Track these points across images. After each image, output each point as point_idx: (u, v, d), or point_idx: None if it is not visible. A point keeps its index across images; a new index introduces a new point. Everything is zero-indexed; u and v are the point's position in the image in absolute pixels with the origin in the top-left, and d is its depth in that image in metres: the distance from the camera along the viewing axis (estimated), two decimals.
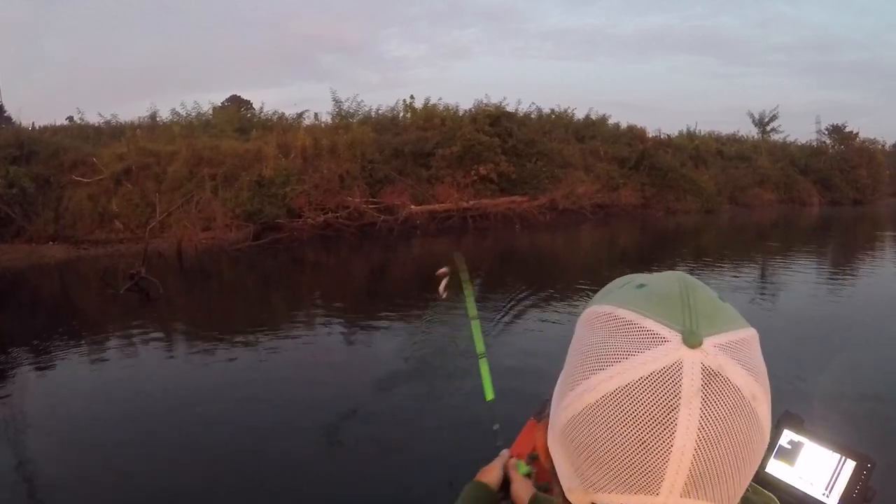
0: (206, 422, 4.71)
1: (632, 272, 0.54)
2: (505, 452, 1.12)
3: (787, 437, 1.02)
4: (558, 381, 0.48)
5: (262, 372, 5.96)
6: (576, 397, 0.44)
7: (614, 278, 0.52)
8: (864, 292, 9.62)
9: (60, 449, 4.32)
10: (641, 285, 0.48)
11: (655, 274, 0.50)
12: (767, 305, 8.71)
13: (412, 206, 18.39)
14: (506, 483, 1.08)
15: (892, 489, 1.12)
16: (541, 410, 1.78)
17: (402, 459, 4.04)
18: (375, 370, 5.88)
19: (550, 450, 0.48)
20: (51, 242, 16.52)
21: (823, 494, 0.96)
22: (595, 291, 0.52)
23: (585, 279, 10.46)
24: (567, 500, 0.46)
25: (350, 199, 17.72)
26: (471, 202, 19.50)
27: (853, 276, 11.46)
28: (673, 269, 0.51)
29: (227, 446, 4.26)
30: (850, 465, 0.96)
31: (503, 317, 7.62)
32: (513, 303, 8.41)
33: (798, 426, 1.03)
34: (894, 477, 1.28)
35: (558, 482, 0.48)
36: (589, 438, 0.43)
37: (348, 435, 4.41)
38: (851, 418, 4.04)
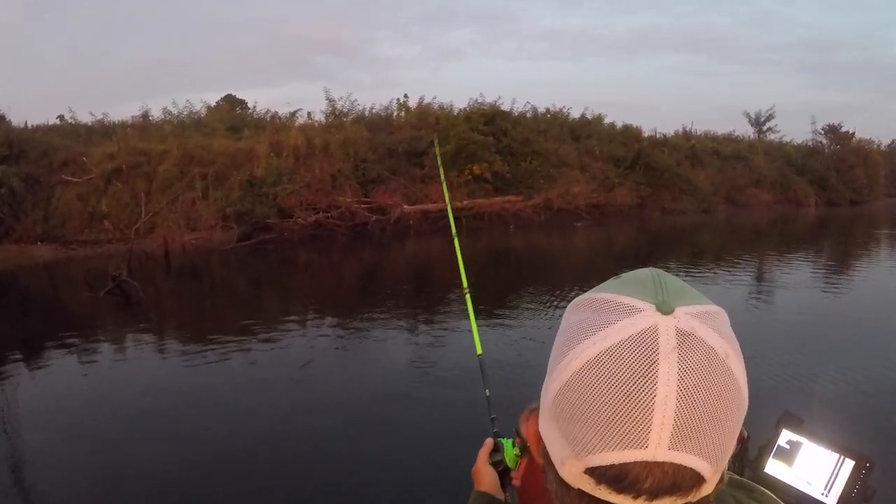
0: (174, 430, 4.55)
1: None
2: (489, 441, 1.10)
3: (786, 436, 1.02)
4: (548, 366, 0.50)
5: (242, 379, 5.79)
6: (562, 368, 0.47)
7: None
8: (863, 291, 9.54)
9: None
10: (617, 276, 0.52)
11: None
12: (766, 305, 8.61)
13: (405, 206, 18.22)
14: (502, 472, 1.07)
15: (892, 489, 1.11)
16: None
17: (397, 462, 3.91)
18: (369, 373, 5.74)
19: (542, 431, 0.50)
20: (39, 243, 16.34)
21: (822, 494, 0.96)
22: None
23: (582, 282, 10.30)
24: (560, 479, 0.48)
25: (342, 198, 17.55)
26: (464, 202, 19.30)
27: (851, 275, 11.36)
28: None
29: (197, 456, 4.10)
30: (849, 464, 0.95)
31: (503, 317, 7.47)
32: (511, 307, 8.28)
33: (797, 426, 1.03)
34: (894, 477, 1.26)
35: (551, 465, 0.49)
36: (578, 401, 0.45)
37: (341, 439, 4.25)
38: (851, 418, 3.99)
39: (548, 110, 27.56)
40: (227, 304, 9.94)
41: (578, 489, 0.46)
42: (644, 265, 0.54)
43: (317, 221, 17.04)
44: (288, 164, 18.20)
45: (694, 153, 28.67)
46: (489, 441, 1.11)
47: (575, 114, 28.39)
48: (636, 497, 0.44)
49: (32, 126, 22.31)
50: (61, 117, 23.88)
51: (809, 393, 4.77)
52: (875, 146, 39.00)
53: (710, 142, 32.28)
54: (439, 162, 3.92)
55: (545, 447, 0.50)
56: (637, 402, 0.42)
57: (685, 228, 21.23)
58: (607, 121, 29.05)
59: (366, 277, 12.44)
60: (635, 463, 0.43)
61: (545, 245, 17.27)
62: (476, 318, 1.72)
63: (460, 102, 24.31)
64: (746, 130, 38.06)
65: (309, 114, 23.51)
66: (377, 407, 4.90)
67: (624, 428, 0.43)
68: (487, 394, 1.41)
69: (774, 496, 0.60)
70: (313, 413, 4.84)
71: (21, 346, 6.90)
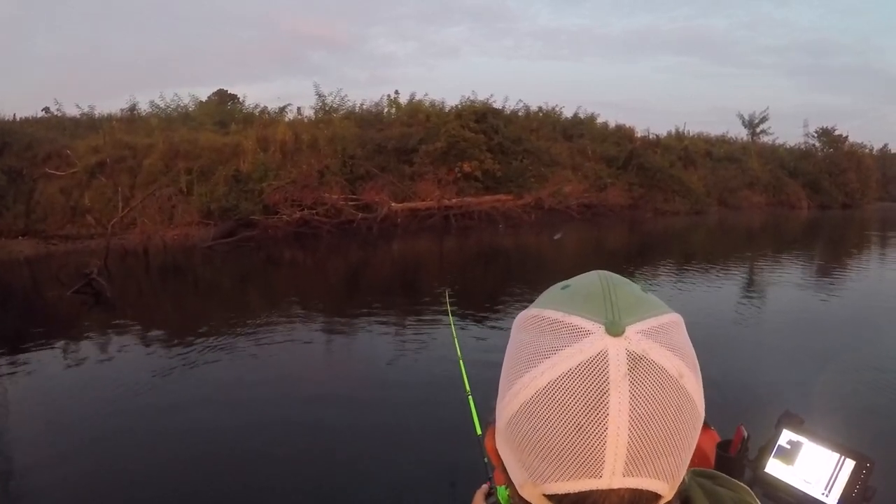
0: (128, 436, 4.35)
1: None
2: (484, 487, 1.10)
3: (787, 436, 1.03)
4: (499, 385, 0.49)
5: (205, 381, 5.58)
6: (512, 396, 0.46)
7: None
8: (860, 291, 9.45)
9: None
10: (565, 286, 0.50)
11: (579, 275, 0.51)
12: (763, 307, 8.48)
13: (392, 204, 18.00)
14: None
15: (892, 488, 1.10)
16: None
17: (384, 467, 3.73)
18: (354, 377, 5.55)
19: (499, 450, 0.49)
20: (21, 237, 16.07)
21: (823, 494, 0.97)
22: None
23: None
24: (521, 497, 0.47)
25: (328, 195, 17.32)
26: (454, 200, 19.12)
27: (847, 275, 11.25)
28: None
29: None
30: (850, 464, 0.96)
31: (493, 322, 7.28)
32: (499, 310, 8.10)
33: (797, 426, 1.03)
34: (894, 476, 1.23)
35: (512, 484, 0.49)
36: (530, 432, 0.44)
37: (323, 447, 4.03)
38: (851, 418, 3.88)
39: (540, 109, 27.51)
40: (202, 304, 9.67)
41: None
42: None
43: (302, 218, 16.79)
44: (275, 159, 18.00)
45: (687, 154, 28.63)
46: (484, 486, 1.11)
47: (567, 113, 28.34)
48: None
49: (21, 118, 22.05)
50: (47, 109, 23.59)
51: (809, 393, 4.66)
52: (867, 150, 39.20)
53: (703, 143, 32.27)
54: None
55: (503, 465, 0.49)
56: (589, 434, 0.42)
57: (677, 229, 21.09)
58: (600, 120, 29.03)
59: (351, 276, 12.22)
60: (591, 491, 0.42)
61: (535, 245, 17.09)
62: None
63: (453, 100, 24.19)
64: (740, 132, 38.13)
65: (298, 109, 23.36)
66: (363, 407, 4.72)
67: (577, 459, 0.42)
68: (486, 461, 1.46)
69: (741, 483, 0.58)
70: (293, 412, 4.64)
71: None
